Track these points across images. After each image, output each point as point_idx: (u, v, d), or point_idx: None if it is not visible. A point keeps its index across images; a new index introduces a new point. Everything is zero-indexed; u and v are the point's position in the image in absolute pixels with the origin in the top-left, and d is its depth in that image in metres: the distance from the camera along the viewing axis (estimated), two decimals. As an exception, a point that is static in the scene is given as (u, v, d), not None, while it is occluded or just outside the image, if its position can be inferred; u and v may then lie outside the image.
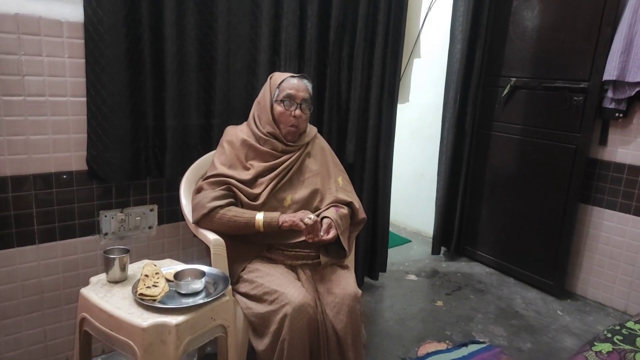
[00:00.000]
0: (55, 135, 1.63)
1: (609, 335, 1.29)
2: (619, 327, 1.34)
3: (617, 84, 2.33)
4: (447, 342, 2.13)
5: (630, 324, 1.36)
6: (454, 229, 3.07)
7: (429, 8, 3.29)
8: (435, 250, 3.09)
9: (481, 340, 2.15)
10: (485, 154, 2.96)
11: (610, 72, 2.31)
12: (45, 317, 1.72)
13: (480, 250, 3.04)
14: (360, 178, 2.43)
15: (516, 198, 2.80)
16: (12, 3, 1.48)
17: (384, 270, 2.67)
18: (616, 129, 2.44)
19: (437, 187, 3.06)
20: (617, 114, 2.39)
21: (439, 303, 2.49)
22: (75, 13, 1.59)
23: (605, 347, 1.24)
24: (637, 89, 2.27)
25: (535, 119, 2.69)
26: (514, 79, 2.75)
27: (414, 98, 3.48)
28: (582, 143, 2.46)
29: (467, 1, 2.77)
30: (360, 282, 2.52)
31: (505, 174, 2.86)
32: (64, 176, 1.68)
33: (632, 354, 1.21)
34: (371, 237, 2.56)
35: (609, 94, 2.37)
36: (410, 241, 3.38)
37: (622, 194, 2.43)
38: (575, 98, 2.48)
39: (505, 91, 2.78)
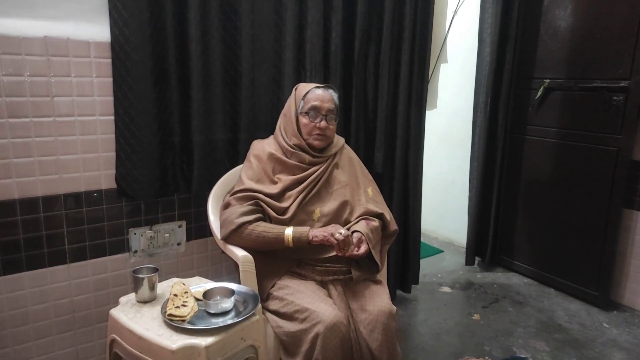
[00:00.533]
0: (84, 154, 1.64)
1: None
2: None
3: (661, 82, 2.20)
4: (487, 358, 2.03)
5: None
6: (489, 238, 2.95)
7: (455, 12, 3.21)
8: (469, 261, 2.98)
9: (523, 355, 2.05)
10: (519, 159, 2.84)
11: (653, 70, 2.18)
12: (77, 337, 1.72)
13: (517, 260, 2.92)
14: (390, 188, 2.36)
15: (554, 204, 2.68)
16: (40, 26, 1.50)
17: (417, 283, 2.58)
18: (661, 130, 2.31)
19: (469, 195, 2.96)
20: (661, 114, 2.25)
21: (476, 316, 2.39)
22: (102, 33, 1.60)
23: None
24: (683, 87, 2.14)
25: (572, 121, 2.57)
26: (547, 81, 2.64)
27: (442, 104, 3.40)
28: (624, 145, 2.33)
29: (495, 3, 2.69)
30: (392, 295, 2.45)
31: (542, 179, 2.74)
32: (95, 194, 1.68)
33: None
34: (402, 248, 2.48)
35: (652, 92, 2.25)
36: (442, 251, 3.28)
37: (670, 198, 2.29)
38: (615, 98, 2.35)
39: (539, 93, 2.67)
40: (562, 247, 2.65)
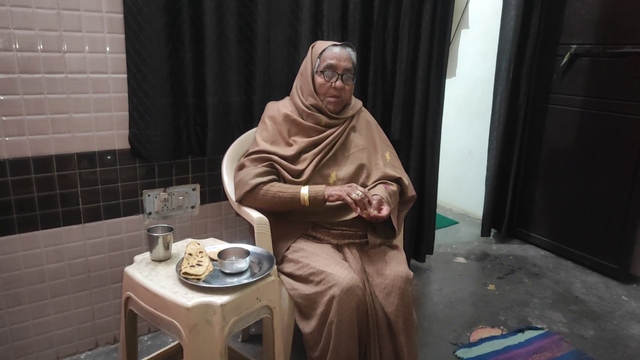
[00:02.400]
0: (97, 113, 1.61)
1: None
2: None
3: (697, 47, 2.09)
4: (502, 327, 2.01)
5: None
6: (506, 210, 2.89)
7: (478, -26, 3.07)
8: (485, 232, 2.93)
9: (539, 326, 2.02)
10: (541, 129, 2.75)
11: (689, 34, 2.07)
12: (92, 296, 1.73)
13: (534, 232, 2.86)
14: (407, 156, 2.31)
15: (576, 176, 2.60)
16: (51, -22, 1.45)
17: (431, 253, 2.55)
18: (694, 98, 2.20)
19: (487, 166, 2.89)
20: (695, 81, 2.14)
21: (491, 287, 2.36)
22: (113, -14, 1.55)
23: None
24: None
25: (599, 89, 2.46)
26: (574, 46, 2.52)
27: (461, 72, 3.30)
28: (653, 114, 2.24)
29: (522, -37, 2.56)
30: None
31: (564, 149, 2.65)
32: (108, 156, 1.66)
33: None
34: (417, 217, 2.44)
35: (687, 58, 2.13)
36: (457, 222, 3.23)
37: (699, 169, 2.20)
38: (646, 64, 2.24)
39: (565, 60, 2.56)
40: (582, 219, 2.58)
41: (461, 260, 2.67)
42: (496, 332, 1.98)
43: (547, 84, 2.69)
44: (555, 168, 2.71)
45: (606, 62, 2.41)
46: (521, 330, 1.98)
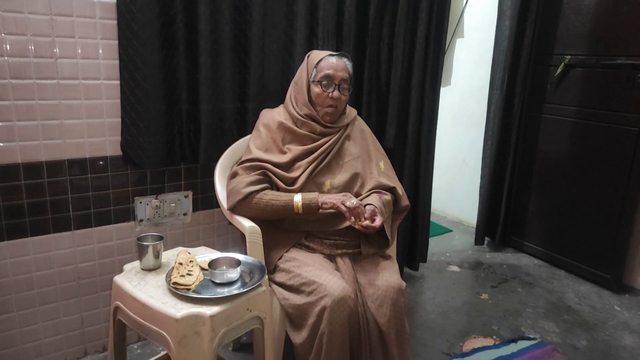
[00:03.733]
0: (89, 119, 1.60)
1: None
2: None
3: (689, 59, 2.11)
4: (495, 337, 2.00)
5: None
6: (499, 219, 2.90)
7: (473, -16, 3.09)
8: (478, 241, 2.94)
9: (531, 336, 2.02)
10: (534, 139, 2.77)
11: (681, 46, 2.08)
12: (82, 304, 1.71)
13: (527, 241, 2.87)
14: (401, 164, 2.30)
15: (569, 185, 2.61)
16: (44, -17, 1.44)
17: (425, 261, 2.55)
18: (686, 110, 2.22)
19: (481, 174, 2.89)
20: (687, 93, 2.16)
21: (484, 296, 2.35)
22: (107, -8, 1.54)
23: None
24: None
25: (592, 99, 2.48)
26: (568, 57, 2.54)
27: (456, 80, 3.31)
28: (646, 125, 2.25)
29: (517, -26, 2.58)
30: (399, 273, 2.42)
31: (558, 159, 2.66)
32: (100, 161, 1.65)
33: None
34: (411, 225, 2.44)
35: (679, 70, 2.15)
36: (451, 231, 3.23)
37: (691, 180, 2.21)
38: (639, 75, 2.26)
39: (559, 70, 2.58)
40: (575, 229, 2.59)
41: (455, 268, 2.66)
42: (489, 342, 1.98)
43: (541, 94, 2.70)
44: (549, 177, 2.72)
45: (600, 73, 2.43)
46: (514, 341, 1.98)
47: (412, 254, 2.49)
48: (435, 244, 2.94)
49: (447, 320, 2.13)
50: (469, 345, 1.94)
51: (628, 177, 2.32)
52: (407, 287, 2.36)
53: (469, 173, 3.22)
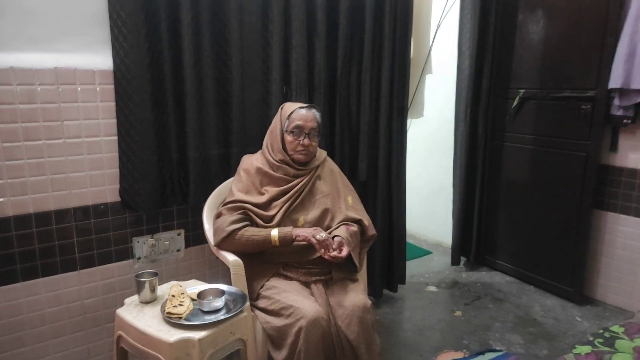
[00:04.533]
0: (91, 171, 1.83)
1: (591, 338, 1.38)
2: (602, 331, 1.42)
3: (623, 92, 2.37)
4: (465, 351, 2.19)
5: (615, 328, 1.43)
6: (473, 239, 3.12)
7: (438, 25, 3.38)
8: (455, 261, 3.15)
9: (498, 348, 2.21)
10: (499, 165, 3.02)
11: (615, 80, 2.35)
12: (88, 336, 1.91)
13: (500, 260, 3.09)
14: (374, 195, 2.54)
15: (532, 206, 2.85)
16: (51, 59, 1.70)
17: (404, 282, 2.75)
18: (626, 135, 2.47)
19: (453, 199, 3.13)
20: (624, 121, 2.42)
21: (458, 313, 2.55)
22: (105, 62, 1.79)
23: (585, 349, 1.33)
24: (643, 96, 2.31)
25: (546, 128, 2.74)
26: (522, 91, 2.81)
27: (429, 113, 3.55)
28: (592, 150, 2.50)
29: (473, 17, 2.87)
30: (379, 294, 2.63)
31: (520, 183, 2.91)
32: (101, 207, 1.87)
33: (609, 355, 1.28)
34: (388, 250, 2.65)
35: (616, 101, 2.41)
36: (431, 253, 3.44)
37: (635, 198, 2.45)
38: (583, 107, 2.52)
39: (515, 102, 2.85)
40: (540, 246, 2.81)
41: (432, 288, 2.86)
42: (459, 355, 2.17)
43: (502, 124, 2.97)
44: (514, 200, 2.96)
45: (550, 104, 2.70)
46: (482, 353, 2.17)
47: (391, 277, 2.69)
48: (415, 266, 3.15)
49: (421, 337, 2.32)
50: (441, 358, 2.14)
51: (580, 197, 2.56)
52: (387, 307, 2.58)
53: (445, 198, 3.44)
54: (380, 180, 2.54)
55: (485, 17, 2.89)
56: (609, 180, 2.54)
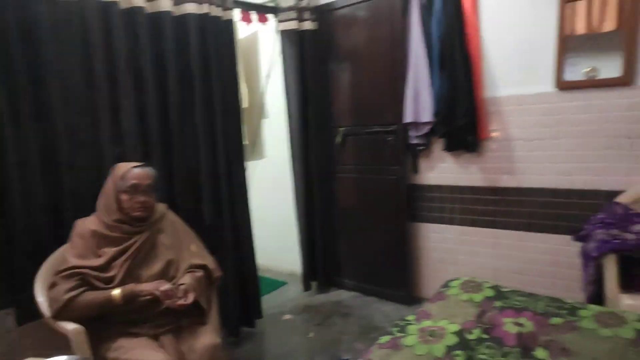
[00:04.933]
0: None
1: (391, 329, 1.72)
2: (399, 321, 1.77)
3: (415, 124, 2.93)
4: (318, 367, 2.42)
5: (409, 317, 1.80)
6: (319, 264, 3.44)
7: (268, 76, 3.73)
8: (306, 287, 3.42)
9: (345, 357, 2.49)
10: (333, 194, 3.41)
11: (408, 116, 2.89)
12: None
13: (345, 278, 3.45)
14: (221, 236, 2.67)
15: (362, 226, 3.28)
16: None
17: (260, 317, 2.91)
18: (423, 159, 3.04)
19: (298, 229, 3.42)
20: (419, 147, 2.98)
21: (311, 334, 2.79)
22: None
23: (385, 338, 1.65)
24: (428, 127, 2.88)
25: (365, 158, 3.21)
26: (342, 128, 3.26)
27: (270, 154, 3.86)
28: (400, 173, 3.02)
29: (293, 70, 3.23)
30: (236, 332, 2.74)
31: (351, 207, 3.33)
32: None
33: (402, 338, 1.63)
34: (240, 288, 2.79)
35: (412, 132, 2.97)
36: (286, 283, 3.67)
37: (436, 208, 3.01)
38: (389, 138, 3.04)
39: (338, 139, 3.27)
40: (375, 260, 3.24)
41: (288, 316, 3.07)
42: (313, 373, 2.39)
43: (331, 158, 3.38)
44: (350, 223, 3.37)
45: (366, 138, 3.17)
46: (331, 365, 2.43)
47: (247, 314, 2.83)
48: (273, 298, 3.34)
49: (280, 364, 2.49)
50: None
51: (397, 215, 3.04)
52: (247, 343, 2.71)
53: (294, 230, 3.72)
54: (226, 222, 2.68)
55: (303, 67, 3.28)
56: (416, 197, 3.08)
